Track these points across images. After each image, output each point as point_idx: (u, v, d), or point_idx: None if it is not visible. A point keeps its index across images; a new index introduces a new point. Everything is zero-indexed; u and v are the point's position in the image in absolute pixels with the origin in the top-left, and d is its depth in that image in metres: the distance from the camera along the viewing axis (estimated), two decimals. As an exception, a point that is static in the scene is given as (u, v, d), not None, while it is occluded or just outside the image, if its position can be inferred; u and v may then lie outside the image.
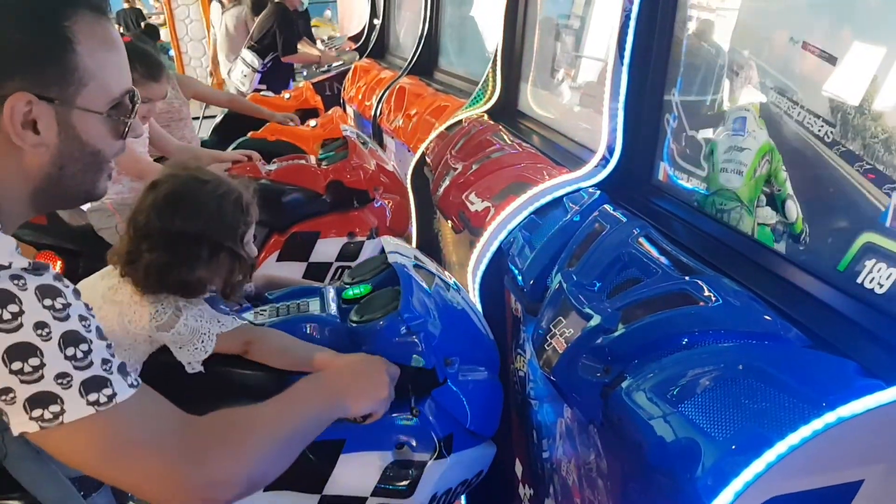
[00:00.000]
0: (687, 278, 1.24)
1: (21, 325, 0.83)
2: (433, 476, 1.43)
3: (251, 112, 3.88)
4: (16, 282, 0.84)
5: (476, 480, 1.56)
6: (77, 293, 0.90)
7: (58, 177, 0.98)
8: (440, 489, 1.46)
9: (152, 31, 9.71)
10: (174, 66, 9.28)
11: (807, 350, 1.04)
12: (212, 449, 0.97)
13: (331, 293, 1.68)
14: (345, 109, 4.86)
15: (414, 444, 1.41)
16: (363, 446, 1.39)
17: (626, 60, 1.69)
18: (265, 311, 1.65)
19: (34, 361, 0.83)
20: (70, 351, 0.86)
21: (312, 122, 3.60)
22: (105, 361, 0.89)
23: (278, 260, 2.69)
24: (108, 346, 0.91)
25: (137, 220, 1.45)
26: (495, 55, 2.81)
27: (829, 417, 0.88)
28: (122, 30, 9.36)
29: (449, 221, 2.31)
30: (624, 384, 1.11)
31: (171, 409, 0.97)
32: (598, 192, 1.74)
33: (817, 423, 0.88)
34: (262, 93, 5.10)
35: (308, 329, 1.55)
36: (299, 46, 6.11)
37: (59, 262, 2.44)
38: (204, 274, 1.44)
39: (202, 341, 1.41)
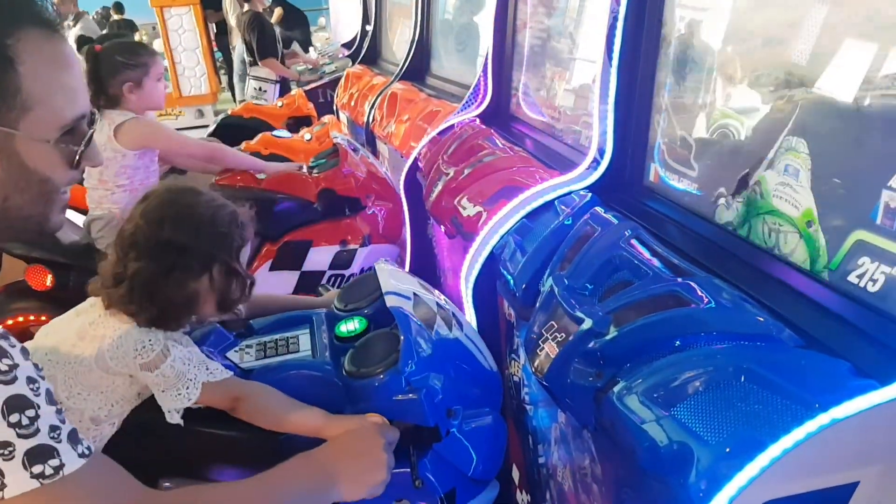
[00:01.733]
0: (679, 280, 1.23)
1: None
2: None
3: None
4: None
5: None
6: (25, 352, 0.83)
7: (2, 209, 0.88)
8: None
9: (130, 25, 9.72)
10: (168, 76, 9.27)
11: (800, 351, 1.02)
12: None
13: (322, 325, 1.61)
14: (338, 116, 4.85)
15: (416, 501, 1.38)
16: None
17: (615, 61, 1.68)
18: (251, 348, 1.57)
19: None
20: (14, 417, 0.77)
21: (307, 136, 3.58)
22: (53, 428, 0.81)
23: (271, 269, 2.68)
24: (58, 412, 0.83)
25: (124, 232, 1.36)
26: (486, 59, 2.80)
27: (823, 419, 0.86)
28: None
29: (442, 227, 2.30)
30: (616, 388, 1.10)
31: (128, 481, 0.90)
32: (590, 194, 1.73)
33: (811, 425, 0.86)
34: (255, 101, 5.10)
35: (299, 379, 1.47)
36: (287, 59, 6.16)
37: (49, 276, 2.41)
38: (195, 289, 1.33)
39: (187, 388, 1.31)
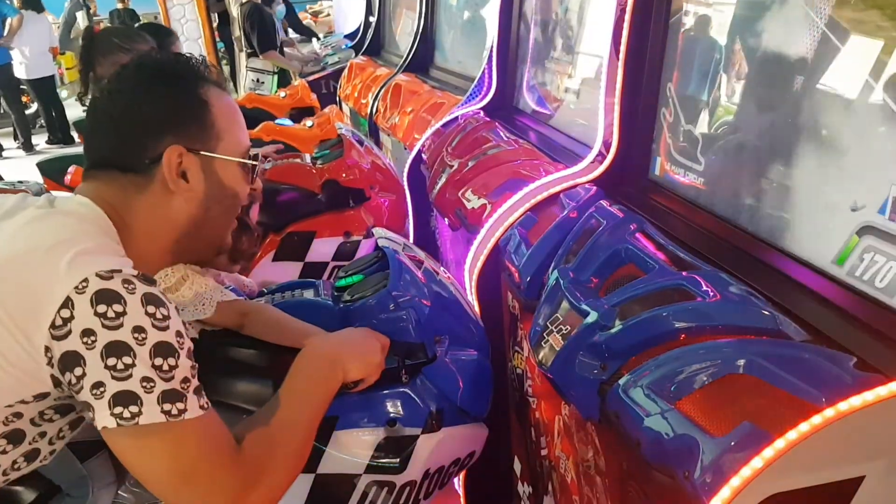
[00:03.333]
0: (684, 273, 1.23)
1: (121, 325, 0.91)
2: (425, 450, 1.43)
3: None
4: (126, 285, 0.93)
5: (469, 461, 1.57)
6: (176, 310, 0.99)
7: (203, 220, 1.15)
8: (432, 465, 1.47)
9: (132, 14, 9.70)
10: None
11: (805, 345, 1.02)
12: (262, 474, 1.05)
13: (325, 286, 1.70)
14: (341, 107, 4.84)
15: (405, 416, 1.42)
16: (356, 423, 1.39)
17: (622, 55, 1.68)
18: (261, 301, 1.68)
19: (126, 360, 0.91)
20: (158, 361, 0.93)
21: (309, 122, 3.57)
22: (185, 380, 0.96)
23: (274, 260, 2.68)
24: (193, 367, 0.99)
25: None
26: (491, 51, 2.80)
27: (829, 413, 0.86)
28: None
29: (446, 219, 2.30)
30: (621, 381, 1.10)
31: (228, 437, 1.04)
32: (595, 187, 1.72)
33: (817, 419, 0.86)
34: (256, 91, 5.09)
35: (301, 310, 1.57)
36: (287, 50, 6.14)
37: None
38: None
39: (202, 304, 1.45)
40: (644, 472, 1.10)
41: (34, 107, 8.70)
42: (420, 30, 4.10)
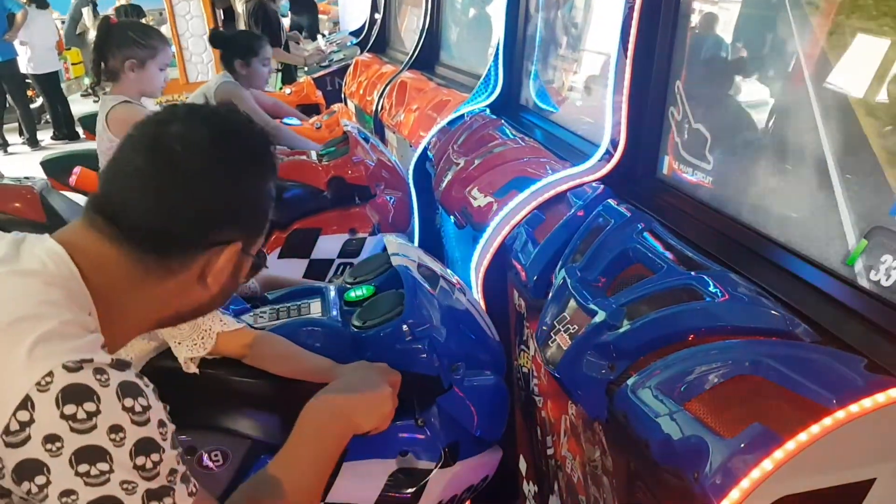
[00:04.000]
0: (693, 273, 1.22)
1: (94, 427, 0.78)
2: (438, 484, 1.39)
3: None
4: (98, 376, 0.79)
5: (482, 485, 1.54)
6: (156, 392, 0.86)
7: (207, 306, 1.03)
8: (446, 496, 1.43)
9: (137, 10, 9.70)
10: (175, 63, 9.25)
11: (816, 346, 1.02)
12: None
13: (332, 294, 1.64)
14: (346, 105, 4.84)
15: (418, 452, 1.39)
16: (367, 454, 1.36)
17: (630, 53, 1.67)
18: (265, 313, 1.61)
19: (102, 466, 0.78)
20: (140, 460, 0.80)
21: (317, 123, 3.56)
22: (172, 472, 0.84)
23: (280, 257, 2.68)
24: (179, 455, 0.86)
25: None
26: (497, 49, 2.79)
27: (840, 415, 0.86)
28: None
29: (451, 217, 2.29)
30: (630, 381, 1.10)
31: None
32: (602, 186, 1.72)
33: (828, 421, 0.86)
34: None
35: (309, 334, 1.50)
36: (292, 46, 6.14)
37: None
38: None
39: (202, 338, 1.36)
40: (652, 472, 1.09)
41: (38, 102, 8.71)
42: (426, 27, 4.10)
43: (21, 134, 8.26)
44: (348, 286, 1.64)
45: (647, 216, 1.49)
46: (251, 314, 1.62)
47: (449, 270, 1.79)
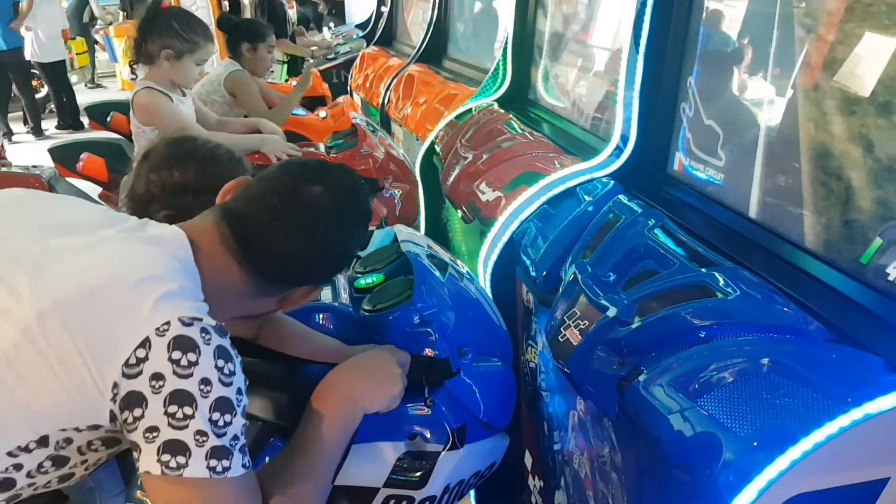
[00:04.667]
0: (704, 270, 1.22)
1: (191, 375, 0.91)
2: (446, 467, 1.40)
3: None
4: (203, 335, 0.93)
5: (489, 472, 1.54)
6: (242, 365, 0.99)
7: (265, 316, 1.28)
8: (453, 480, 1.44)
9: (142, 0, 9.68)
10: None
11: (830, 344, 1.02)
12: None
13: (342, 281, 1.65)
14: (352, 97, 4.83)
15: (427, 434, 1.39)
16: (375, 437, 1.37)
17: (642, 48, 1.67)
18: None
19: (187, 410, 0.90)
20: (216, 416, 0.92)
21: (322, 113, 3.55)
22: (235, 438, 0.95)
23: (287, 249, 2.67)
24: (244, 426, 0.97)
25: (137, 191, 1.46)
26: (506, 43, 2.78)
27: (856, 414, 0.86)
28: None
29: (459, 211, 2.29)
30: (641, 377, 1.09)
31: (258, 494, 1.02)
32: (612, 182, 1.71)
33: (843, 420, 0.86)
34: (266, 79, 5.07)
35: (320, 318, 1.52)
36: (298, 38, 6.13)
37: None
38: None
39: None
40: (662, 469, 1.09)
41: (43, 91, 8.70)
42: (433, 20, 4.08)
43: (25, 123, 8.26)
44: (358, 275, 1.65)
45: (658, 212, 1.49)
46: None
47: (459, 261, 1.79)
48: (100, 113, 3.51)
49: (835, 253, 1.18)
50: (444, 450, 1.39)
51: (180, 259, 1.01)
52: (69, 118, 8.32)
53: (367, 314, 1.48)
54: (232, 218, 1.08)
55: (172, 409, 0.90)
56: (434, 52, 4.08)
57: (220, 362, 0.94)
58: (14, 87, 7.96)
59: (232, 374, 0.95)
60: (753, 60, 1.47)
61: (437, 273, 1.54)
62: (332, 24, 7.82)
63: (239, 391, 0.96)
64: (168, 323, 0.91)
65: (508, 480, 2.04)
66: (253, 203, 1.10)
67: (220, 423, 0.92)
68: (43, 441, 0.94)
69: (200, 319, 0.94)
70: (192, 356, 0.91)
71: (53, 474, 1.01)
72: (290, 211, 1.09)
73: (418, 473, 1.38)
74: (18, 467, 0.95)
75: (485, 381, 1.46)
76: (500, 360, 1.53)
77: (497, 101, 2.77)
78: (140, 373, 0.90)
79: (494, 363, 1.50)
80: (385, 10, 5.38)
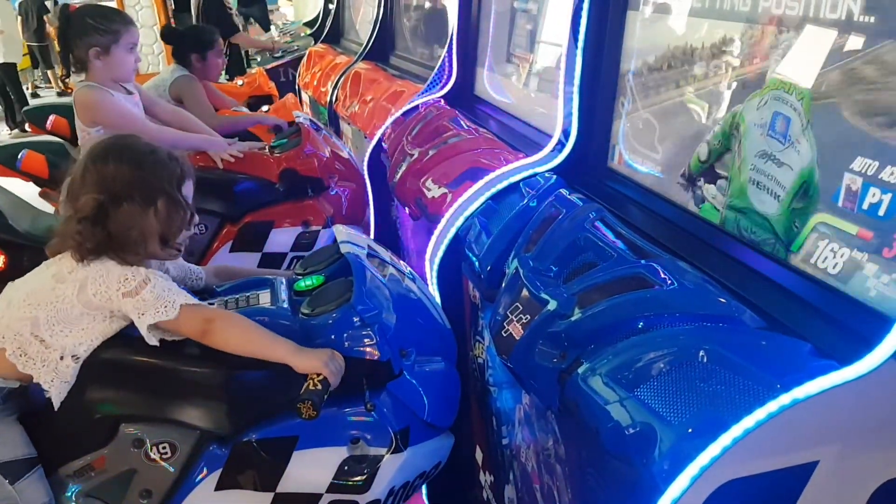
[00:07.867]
0: (642, 262, 1.23)
1: None
2: (390, 470, 1.40)
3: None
4: None
5: (434, 472, 1.54)
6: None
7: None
8: (397, 483, 1.44)
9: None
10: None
11: (761, 332, 1.03)
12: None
13: (282, 285, 1.62)
14: (300, 96, 4.78)
15: (369, 438, 1.39)
16: (317, 442, 1.36)
17: (581, 43, 1.68)
18: (213, 304, 1.58)
19: None
20: None
21: (265, 108, 3.51)
22: None
23: (231, 250, 2.63)
24: None
25: (74, 178, 1.45)
26: (451, 39, 2.78)
27: (785, 399, 0.87)
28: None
29: (406, 208, 2.28)
30: (580, 369, 1.10)
31: None
32: (554, 176, 1.72)
33: (772, 406, 0.87)
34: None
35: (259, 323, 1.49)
36: (251, 33, 6.04)
37: (1, 257, 2.35)
38: (142, 220, 1.42)
39: (165, 307, 1.37)
40: (602, 460, 1.10)
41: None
42: (380, 17, 4.06)
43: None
44: (298, 277, 1.62)
45: (599, 205, 1.50)
46: None
47: (402, 261, 1.78)
48: (38, 116, 3.43)
49: (767, 243, 1.20)
50: (387, 453, 1.39)
51: None
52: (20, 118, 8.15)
53: (305, 318, 1.46)
54: None
55: None
56: (381, 49, 4.06)
57: None
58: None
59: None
60: (690, 55, 1.49)
61: (378, 273, 1.53)
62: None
63: None
64: None
65: (460, 476, 2.04)
66: None
67: None
68: None
69: None
70: None
71: None
72: None
73: (361, 477, 1.38)
74: None
75: (428, 381, 1.46)
76: (444, 359, 1.53)
77: (443, 97, 2.77)
78: None
79: (437, 363, 1.50)
80: (332, 7, 5.34)
